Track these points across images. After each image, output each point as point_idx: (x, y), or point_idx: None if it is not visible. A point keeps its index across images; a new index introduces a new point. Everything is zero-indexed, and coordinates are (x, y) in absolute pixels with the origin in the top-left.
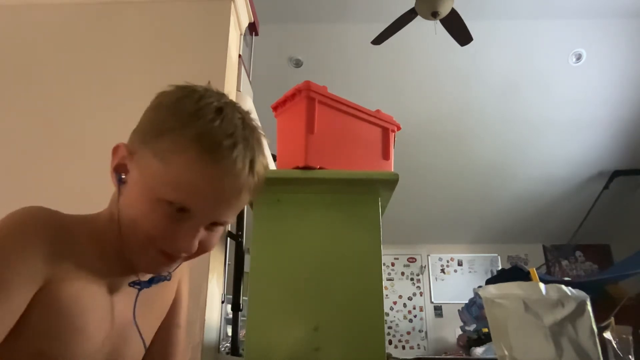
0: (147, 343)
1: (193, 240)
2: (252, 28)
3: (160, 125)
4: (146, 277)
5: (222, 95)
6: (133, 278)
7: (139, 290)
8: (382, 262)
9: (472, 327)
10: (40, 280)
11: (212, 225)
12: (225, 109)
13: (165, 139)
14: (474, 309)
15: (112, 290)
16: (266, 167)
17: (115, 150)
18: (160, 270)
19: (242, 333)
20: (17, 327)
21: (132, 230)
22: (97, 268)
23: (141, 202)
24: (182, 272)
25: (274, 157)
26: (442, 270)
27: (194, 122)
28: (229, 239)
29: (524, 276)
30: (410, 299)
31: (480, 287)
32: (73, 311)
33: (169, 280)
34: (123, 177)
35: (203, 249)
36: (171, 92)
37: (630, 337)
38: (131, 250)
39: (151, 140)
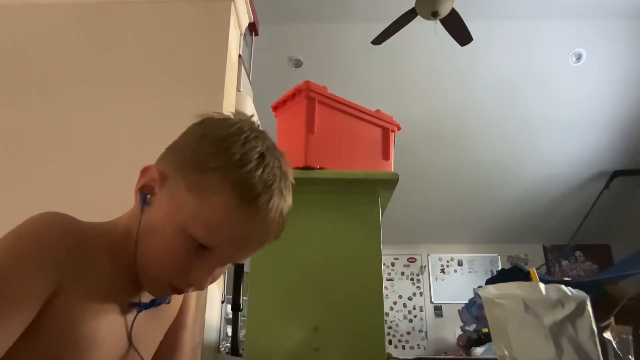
0: (148, 358)
1: (207, 277)
2: (252, 28)
3: (204, 161)
4: (147, 297)
5: (264, 136)
6: (135, 296)
7: (138, 312)
8: (382, 262)
9: (472, 327)
10: (50, 288)
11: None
12: (267, 155)
13: (207, 177)
14: (474, 309)
15: (122, 303)
16: (290, 209)
17: (145, 171)
18: (165, 296)
19: (242, 333)
20: (31, 334)
21: (147, 255)
22: (110, 280)
23: (164, 229)
24: None
25: None
26: (442, 270)
27: (238, 169)
28: None
29: (524, 276)
30: (410, 299)
31: (480, 287)
32: (87, 320)
33: (168, 304)
34: (148, 198)
35: (208, 285)
36: (219, 124)
37: (630, 337)
38: (142, 274)
39: (190, 172)
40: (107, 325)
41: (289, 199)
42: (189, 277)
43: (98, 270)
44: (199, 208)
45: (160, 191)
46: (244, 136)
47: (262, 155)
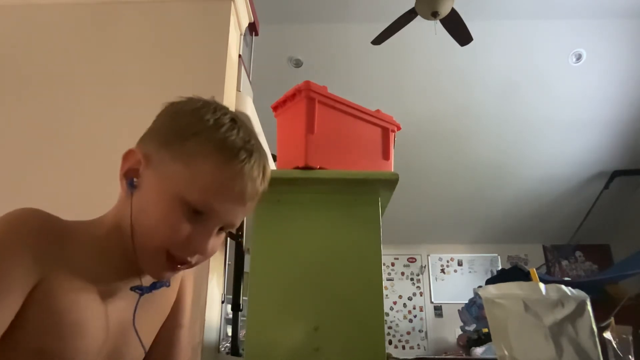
0: (147, 346)
1: (207, 241)
2: (252, 28)
3: (184, 130)
4: (148, 282)
5: (228, 109)
6: (135, 282)
7: (140, 295)
8: (382, 262)
9: (472, 327)
10: (32, 279)
11: (220, 229)
12: (237, 120)
13: (190, 143)
14: (474, 309)
15: (111, 293)
16: (270, 174)
17: (128, 155)
18: (167, 276)
19: (242, 333)
20: (16, 325)
21: (146, 235)
22: (93, 271)
23: (159, 204)
24: (185, 272)
25: (274, 157)
26: (442, 270)
27: (216, 130)
28: (228, 239)
29: (524, 276)
30: (410, 299)
31: (480, 287)
32: (69, 310)
33: (168, 286)
34: (135, 181)
35: (210, 252)
36: (187, 102)
37: (630, 337)
38: (141, 255)
39: (173, 144)
40: (93, 315)
41: (267, 163)
42: (190, 244)
43: (81, 261)
44: (188, 174)
45: (146, 171)
46: (212, 106)
47: (233, 120)
